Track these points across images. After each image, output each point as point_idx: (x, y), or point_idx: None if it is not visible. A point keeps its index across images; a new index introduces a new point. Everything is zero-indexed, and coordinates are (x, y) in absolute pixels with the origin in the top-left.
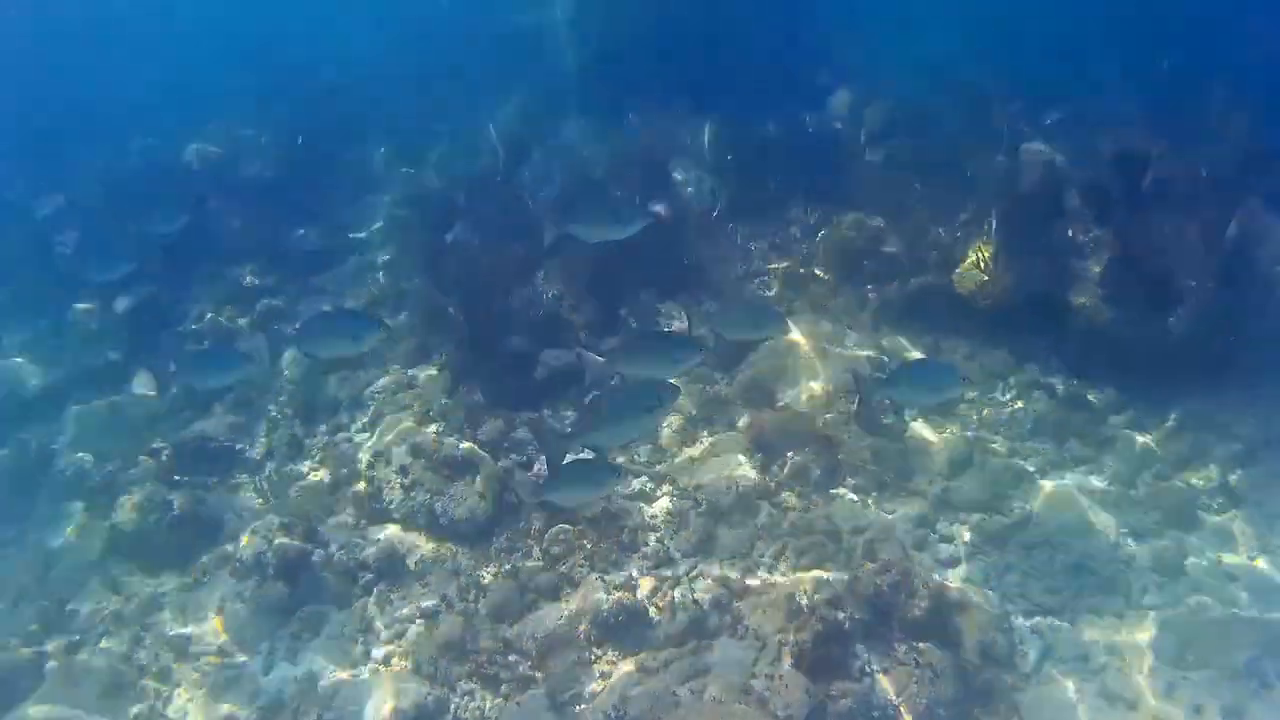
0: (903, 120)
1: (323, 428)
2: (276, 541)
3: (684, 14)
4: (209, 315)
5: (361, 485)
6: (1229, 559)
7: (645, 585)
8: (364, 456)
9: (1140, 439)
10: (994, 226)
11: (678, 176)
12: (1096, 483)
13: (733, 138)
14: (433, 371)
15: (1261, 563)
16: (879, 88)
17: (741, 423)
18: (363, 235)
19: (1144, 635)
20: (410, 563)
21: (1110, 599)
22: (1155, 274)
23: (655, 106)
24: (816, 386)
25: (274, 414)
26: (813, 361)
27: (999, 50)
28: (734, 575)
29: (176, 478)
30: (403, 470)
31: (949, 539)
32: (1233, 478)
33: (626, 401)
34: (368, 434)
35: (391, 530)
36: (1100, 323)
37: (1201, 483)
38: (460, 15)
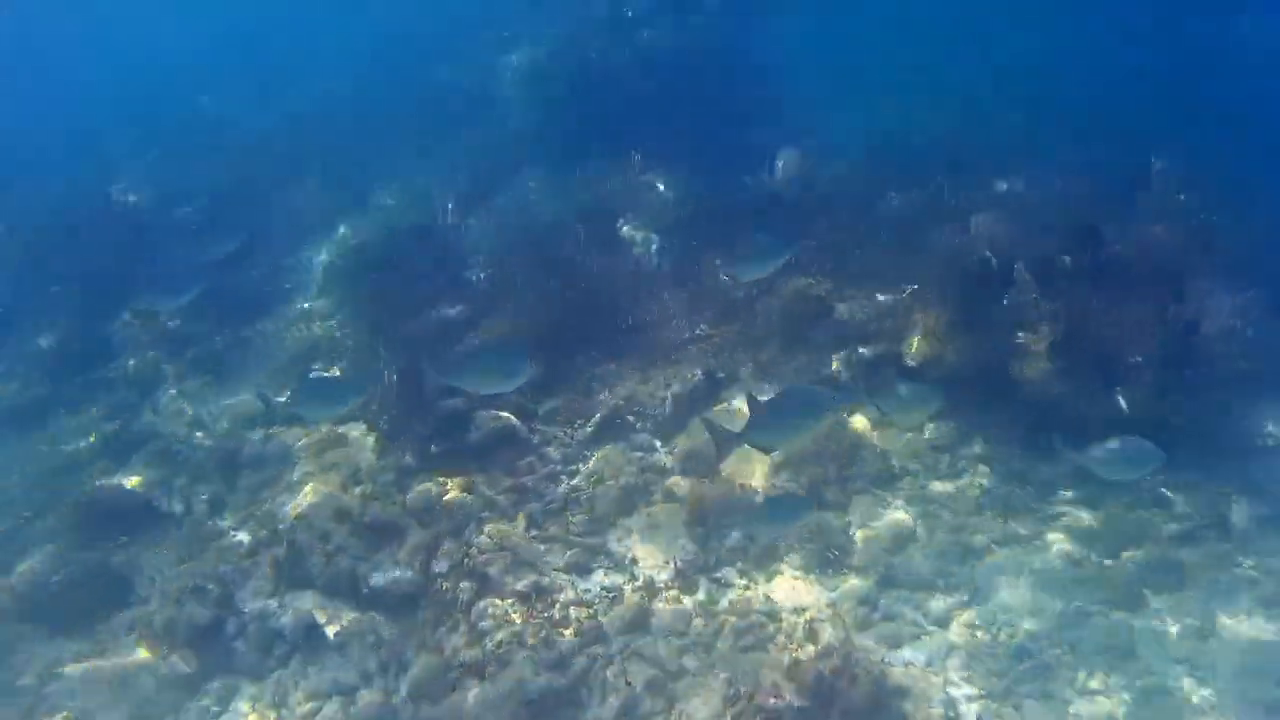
0: (851, 186)
1: (245, 486)
2: (188, 607)
3: (634, 77)
4: (132, 362)
5: (282, 549)
6: (1176, 642)
7: (577, 665)
8: (286, 518)
9: (1087, 516)
10: (944, 297)
11: (625, 234)
12: (1043, 560)
13: (683, 198)
14: (363, 430)
15: (1207, 645)
16: (828, 152)
17: (680, 494)
18: (301, 283)
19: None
20: (330, 633)
21: (1055, 685)
22: (1104, 349)
23: (605, 164)
24: (757, 457)
25: (195, 469)
26: None
27: (948, 117)
28: (669, 655)
29: (85, 534)
30: (325, 535)
31: (892, 618)
32: (1179, 557)
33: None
34: (292, 494)
35: (311, 598)
36: (1049, 397)
37: (1148, 562)
38: (412, 66)
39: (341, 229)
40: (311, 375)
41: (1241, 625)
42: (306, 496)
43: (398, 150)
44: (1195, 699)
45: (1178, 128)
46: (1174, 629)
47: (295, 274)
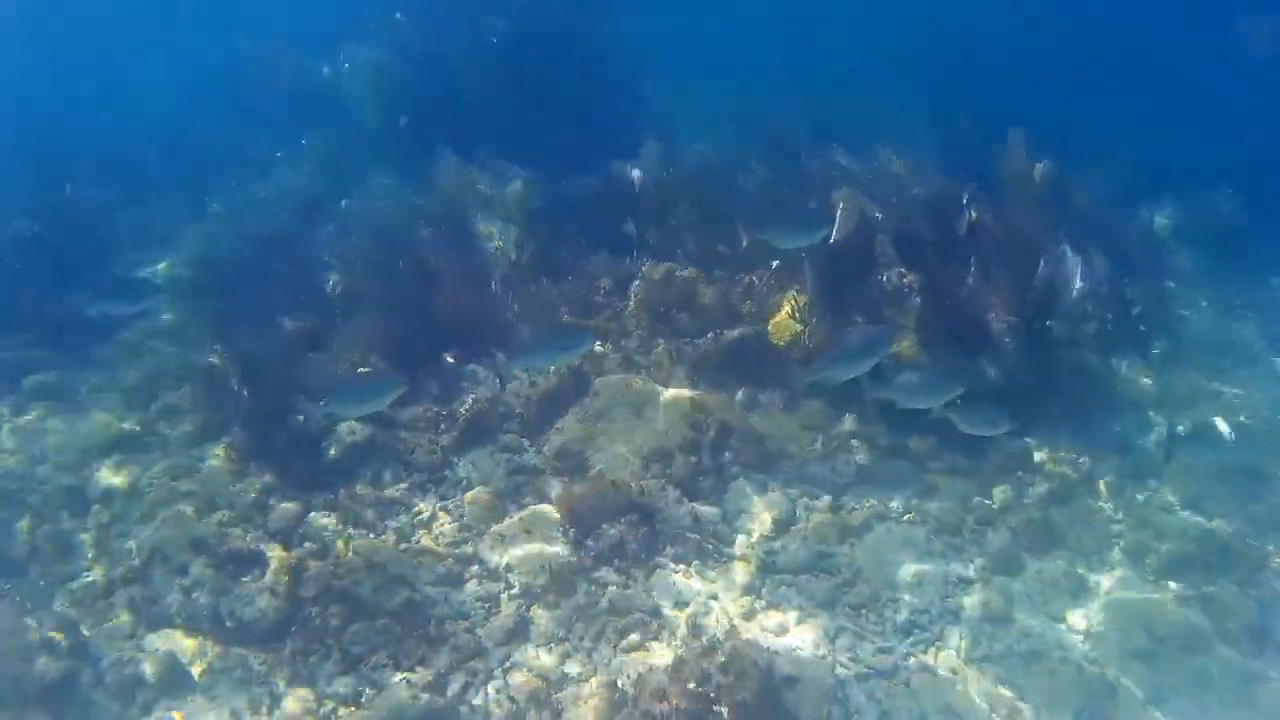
0: (713, 170)
1: (94, 521)
2: (39, 661)
3: (487, 69)
4: None
5: (137, 588)
6: (1054, 602)
7: (456, 683)
8: (140, 553)
9: (961, 484)
10: (807, 276)
11: (482, 231)
12: (921, 533)
13: (540, 191)
14: (218, 453)
15: (1081, 604)
16: (690, 137)
17: (553, 494)
18: (146, 299)
19: (977, 690)
20: (195, 674)
21: (943, 655)
22: (969, 319)
23: (460, 159)
24: (631, 451)
25: (38, 508)
26: (625, 424)
27: (806, 95)
28: (551, 663)
29: None
30: (182, 569)
31: (776, 605)
32: (1052, 517)
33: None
34: (145, 527)
35: (173, 637)
36: (916, 368)
37: (1022, 525)
38: (258, 65)
39: (185, 241)
40: (345, 373)
41: (1113, 581)
42: (160, 528)
43: (241, 159)
44: (1075, 658)
45: (1037, 97)
46: (1050, 590)
47: (142, 288)
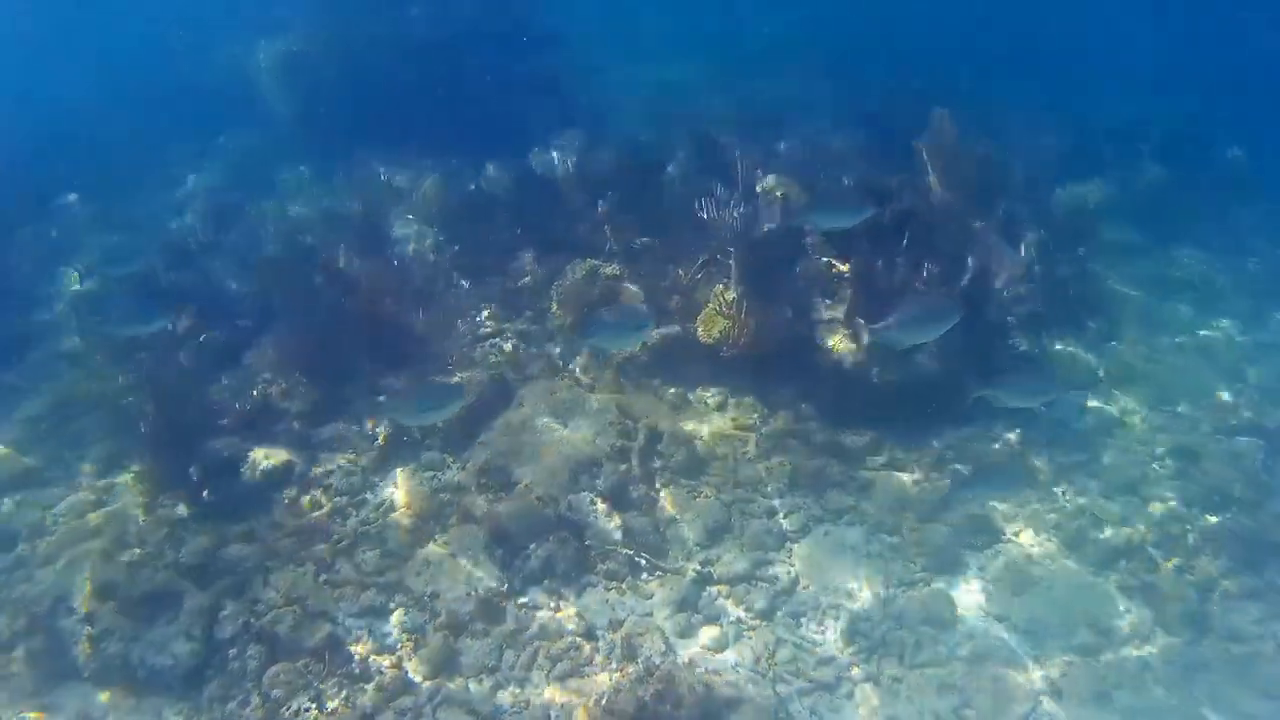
0: (635, 161)
1: None
2: None
3: (404, 59)
4: None
5: (39, 639)
6: (996, 600)
7: None
8: (43, 603)
9: (899, 479)
10: (734, 270)
11: (398, 232)
12: (859, 534)
13: (457, 187)
14: (127, 485)
15: (1025, 599)
16: (610, 127)
17: (477, 513)
18: (50, 317)
19: (923, 699)
20: None
21: (885, 662)
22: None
23: (374, 156)
24: (557, 463)
25: None
26: (551, 434)
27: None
28: (482, 696)
29: None
30: (89, 617)
31: (713, 619)
32: (991, 511)
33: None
34: (48, 571)
35: (80, 693)
36: (850, 364)
37: (962, 519)
38: (161, 63)
39: (91, 252)
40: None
41: (1052, 571)
42: (65, 574)
43: (150, 158)
44: (1021, 659)
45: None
46: (991, 587)
47: (44, 308)
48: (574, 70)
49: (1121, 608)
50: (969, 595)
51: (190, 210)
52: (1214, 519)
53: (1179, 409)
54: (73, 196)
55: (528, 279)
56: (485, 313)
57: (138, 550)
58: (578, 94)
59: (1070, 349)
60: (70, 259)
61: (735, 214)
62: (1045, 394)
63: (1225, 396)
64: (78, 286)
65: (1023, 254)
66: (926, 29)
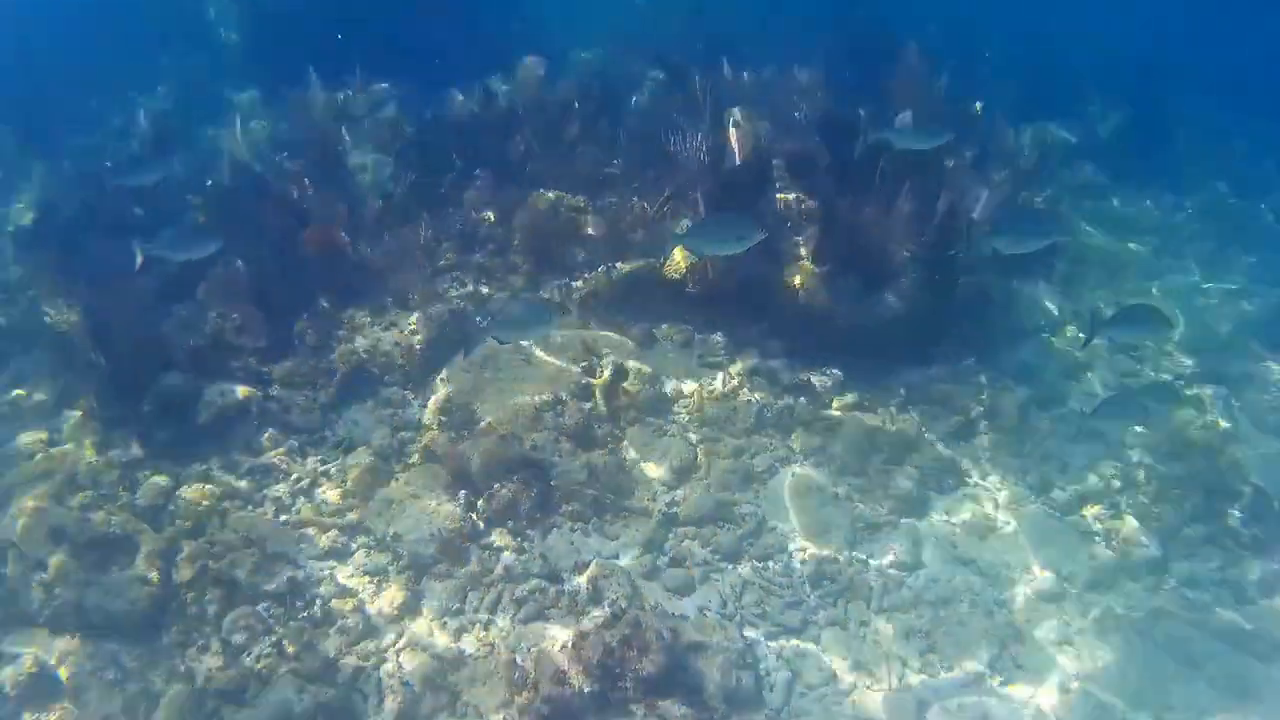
0: (598, 90)
1: None
2: None
3: None
4: None
5: None
6: (961, 544)
7: (347, 668)
8: None
9: (866, 421)
10: (700, 205)
11: (353, 161)
12: (826, 476)
13: (414, 114)
14: (77, 423)
15: (989, 543)
16: (572, 53)
17: (440, 452)
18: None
19: (888, 643)
20: (63, 677)
21: (852, 606)
22: (869, 248)
23: (325, 79)
24: (521, 401)
25: None
26: (514, 371)
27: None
28: (446, 641)
29: None
30: (41, 562)
31: (679, 561)
32: (957, 453)
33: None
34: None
35: (35, 639)
36: (817, 303)
37: (929, 461)
38: None
39: (31, 184)
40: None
41: (1020, 519)
42: (14, 518)
43: (94, 83)
44: (984, 602)
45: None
46: (958, 531)
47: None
48: None
49: (1085, 553)
50: (935, 539)
51: (135, 136)
52: (1177, 466)
53: (1145, 354)
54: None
55: (488, 211)
56: (444, 244)
57: (90, 492)
58: (534, 14)
59: (1036, 291)
60: (7, 186)
61: (701, 146)
62: (1048, 236)
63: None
64: (13, 225)
65: (991, 194)
66: None
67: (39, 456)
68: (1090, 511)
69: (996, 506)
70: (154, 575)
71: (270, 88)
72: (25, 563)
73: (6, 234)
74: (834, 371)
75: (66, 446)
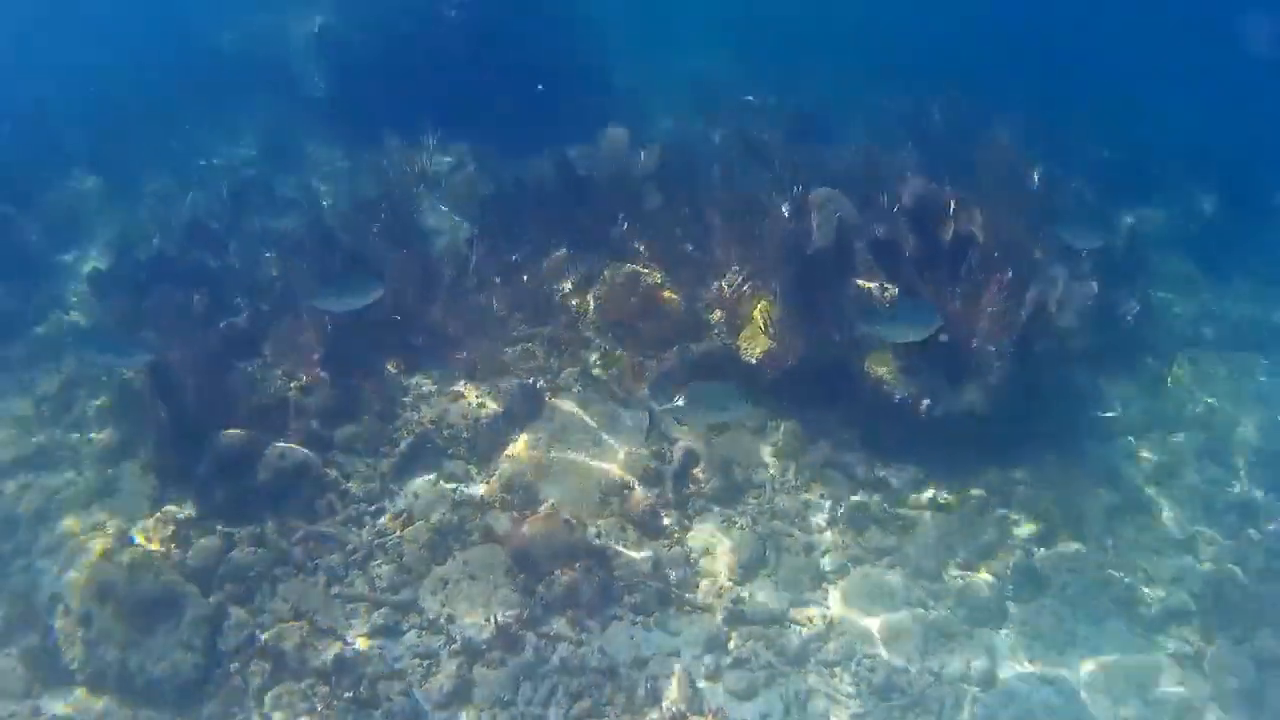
0: (680, 163)
1: None
2: None
3: (440, 40)
4: None
5: (35, 637)
6: (1040, 659)
7: None
8: (41, 596)
9: (942, 521)
10: (779, 286)
11: (429, 222)
12: (899, 578)
13: (493, 178)
14: (135, 474)
15: (1069, 659)
16: (655, 122)
17: (500, 532)
18: (62, 294)
19: None
20: None
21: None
22: (953, 340)
23: (405, 139)
24: (587, 484)
25: None
26: (583, 451)
27: (774, 78)
28: None
29: None
30: (86, 619)
31: (743, 662)
32: (1036, 560)
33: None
34: (49, 562)
35: (74, 699)
36: (897, 394)
37: (1009, 569)
38: (189, 31)
39: (108, 225)
40: None
41: (1101, 635)
42: (65, 569)
43: (177, 131)
44: None
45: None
46: (1036, 644)
47: (58, 282)
48: (608, 57)
49: (1173, 676)
50: (1012, 652)
51: (211, 187)
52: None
53: (1237, 464)
54: (85, 169)
55: (563, 282)
56: (517, 314)
57: (141, 549)
58: (613, 83)
59: (1123, 389)
60: (82, 233)
61: (784, 227)
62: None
63: None
64: (91, 266)
65: (1082, 286)
66: (971, 26)
67: (94, 506)
68: (1179, 630)
69: (1077, 620)
70: (199, 641)
71: (352, 142)
72: (72, 618)
73: (81, 277)
74: (911, 468)
75: (121, 498)
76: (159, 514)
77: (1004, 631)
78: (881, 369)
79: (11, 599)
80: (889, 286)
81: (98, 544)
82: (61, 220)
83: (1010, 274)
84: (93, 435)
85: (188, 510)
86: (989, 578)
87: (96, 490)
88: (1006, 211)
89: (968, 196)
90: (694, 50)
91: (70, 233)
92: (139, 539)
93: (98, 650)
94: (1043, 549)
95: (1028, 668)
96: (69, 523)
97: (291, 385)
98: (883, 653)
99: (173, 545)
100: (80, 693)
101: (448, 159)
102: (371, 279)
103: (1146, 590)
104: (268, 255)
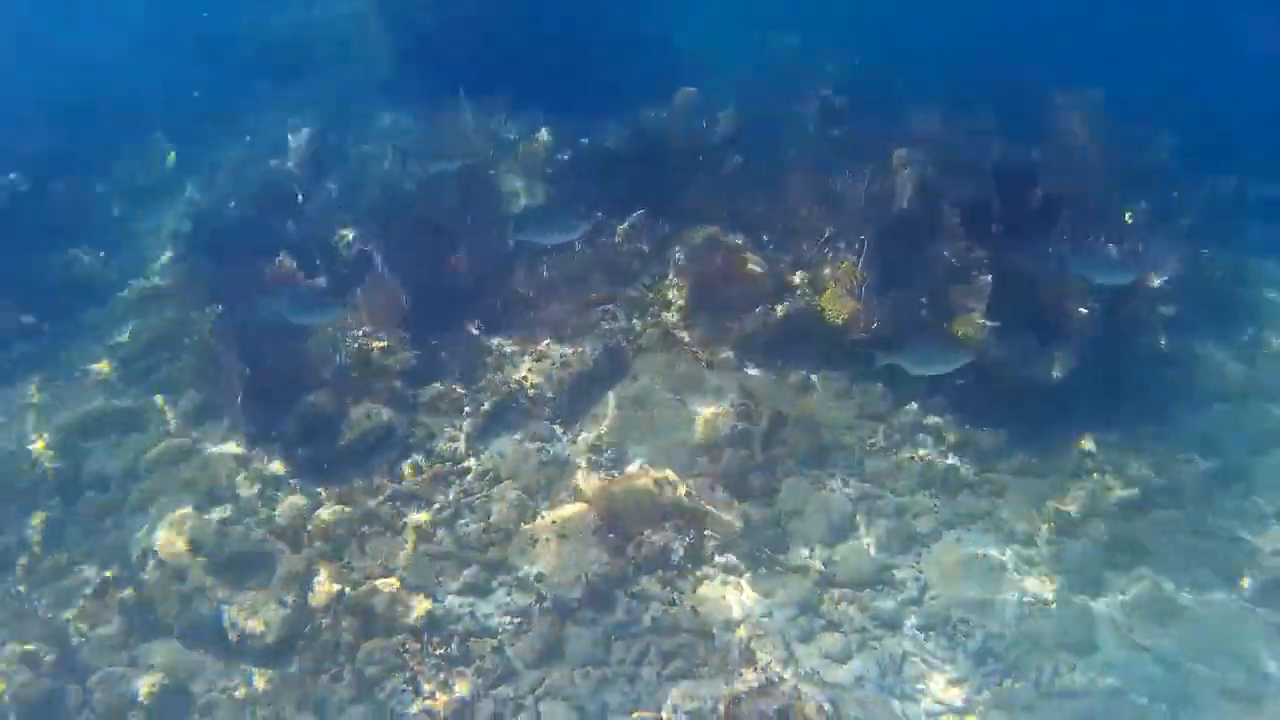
0: (758, 124)
1: (87, 511)
2: (18, 680)
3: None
4: None
5: (130, 591)
6: (1139, 627)
7: (482, 712)
8: (135, 550)
9: (1035, 487)
10: (865, 249)
11: (505, 187)
12: (993, 542)
13: (568, 140)
14: (220, 434)
15: (1170, 629)
16: (728, 84)
17: (588, 492)
18: (142, 259)
19: None
20: (194, 692)
21: (1021, 687)
22: (1044, 303)
23: (481, 103)
24: (675, 443)
25: (27, 492)
26: (669, 411)
27: (851, 41)
28: (588, 691)
29: None
30: (180, 573)
31: (836, 625)
32: (1133, 527)
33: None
34: (140, 519)
35: (168, 651)
36: (985, 356)
37: (1104, 536)
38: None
39: (187, 191)
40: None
41: (1202, 606)
42: (155, 525)
43: (248, 98)
44: (1164, 698)
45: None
46: (1135, 612)
47: (136, 247)
48: (683, 30)
49: (1277, 650)
50: (1109, 621)
51: (289, 152)
52: None
53: None
54: (163, 137)
55: (642, 244)
56: (597, 276)
57: (229, 506)
58: (680, 48)
59: (1217, 355)
60: (162, 199)
61: (868, 189)
62: (954, 360)
63: None
64: (169, 228)
65: (1173, 249)
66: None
67: (183, 465)
68: None
69: (1177, 589)
70: (289, 597)
71: (420, 107)
72: (164, 572)
73: (163, 240)
74: (1002, 431)
75: (209, 457)
76: (246, 472)
77: (1102, 599)
78: (969, 331)
79: (104, 554)
80: (975, 248)
81: (187, 500)
82: (141, 187)
83: (1102, 238)
84: (178, 396)
85: (274, 468)
86: (1085, 544)
87: (183, 449)
88: (1094, 175)
89: (1054, 159)
90: (763, 22)
91: (149, 199)
92: (227, 496)
93: (190, 604)
94: (1139, 516)
95: (1127, 637)
96: (157, 480)
97: (374, 346)
98: (977, 618)
99: (260, 503)
100: (175, 645)
101: (518, 124)
102: (574, 217)
103: (1247, 561)
104: (345, 219)
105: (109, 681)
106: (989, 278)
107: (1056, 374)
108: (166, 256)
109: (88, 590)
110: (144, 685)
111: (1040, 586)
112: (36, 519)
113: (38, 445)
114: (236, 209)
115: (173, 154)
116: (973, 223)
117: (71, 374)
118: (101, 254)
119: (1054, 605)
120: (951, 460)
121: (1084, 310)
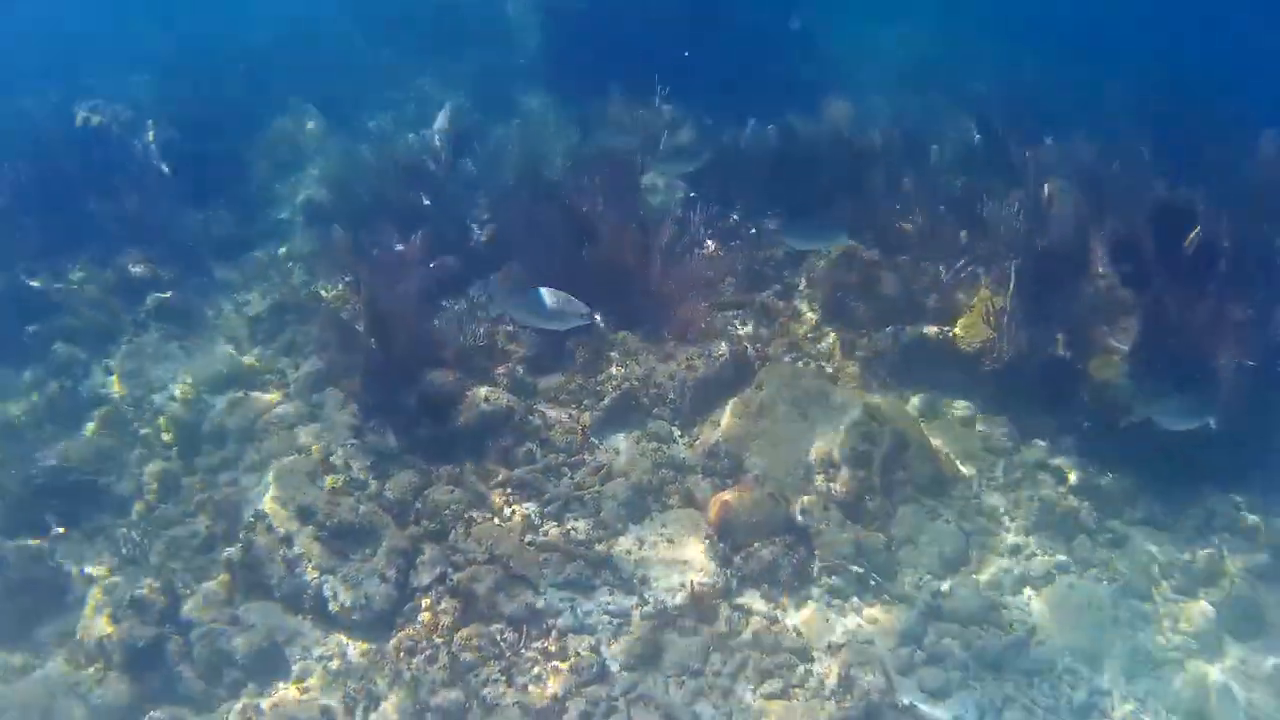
0: (905, 141)
1: (204, 465)
2: (125, 624)
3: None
4: (85, 310)
5: (237, 550)
6: (1258, 702)
7: (573, 710)
8: (246, 509)
9: (1157, 541)
10: (1010, 279)
11: (647, 182)
12: (1107, 594)
13: (713, 140)
14: (339, 403)
15: None
16: (876, 97)
17: (701, 498)
18: (281, 220)
19: None
20: (290, 656)
21: None
22: (1196, 351)
23: (623, 96)
24: (793, 458)
25: (149, 442)
26: (790, 425)
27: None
28: (681, 701)
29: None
30: (287, 539)
31: (938, 660)
32: (1259, 595)
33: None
34: (254, 478)
35: (270, 613)
36: (1122, 403)
37: (1224, 602)
38: None
39: (326, 160)
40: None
41: None
42: (268, 487)
43: (393, 72)
44: None
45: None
46: (1255, 684)
47: (276, 211)
48: (814, 23)
49: None
50: (1226, 691)
51: (432, 128)
52: None
53: None
54: (309, 109)
55: (779, 252)
56: (729, 279)
57: (341, 476)
58: (821, 51)
59: None
60: (303, 168)
61: (1016, 215)
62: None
63: None
64: (307, 195)
65: None
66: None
67: (299, 430)
68: None
69: None
70: (392, 573)
71: (564, 95)
72: (272, 536)
73: (300, 207)
74: (1129, 479)
75: (326, 424)
76: (360, 443)
77: (1217, 666)
78: (1108, 373)
79: (217, 510)
80: (1122, 287)
81: (301, 466)
82: (284, 154)
83: (1262, 285)
84: (300, 361)
85: (389, 442)
86: (1205, 606)
87: (302, 414)
88: (1256, 220)
89: (1214, 202)
90: (897, 18)
91: (291, 167)
92: (340, 466)
93: (295, 569)
94: (1265, 583)
95: (1245, 709)
96: (274, 443)
97: (499, 330)
98: (1085, 669)
99: (371, 476)
100: (277, 608)
101: (663, 118)
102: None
103: None
104: (482, 200)
105: (211, 636)
106: (1134, 320)
107: (1196, 427)
108: (302, 223)
109: (196, 544)
110: (242, 644)
111: (1153, 644)
112: (154, 466)
113: (163, 395)
114: (374, 181)
115: (311, 123)
116: (1122, 260)
117: (201, 330)
118: (242, 216)
119: (1166, 667)
120: (1072, 503)
121: (1234, 363)
